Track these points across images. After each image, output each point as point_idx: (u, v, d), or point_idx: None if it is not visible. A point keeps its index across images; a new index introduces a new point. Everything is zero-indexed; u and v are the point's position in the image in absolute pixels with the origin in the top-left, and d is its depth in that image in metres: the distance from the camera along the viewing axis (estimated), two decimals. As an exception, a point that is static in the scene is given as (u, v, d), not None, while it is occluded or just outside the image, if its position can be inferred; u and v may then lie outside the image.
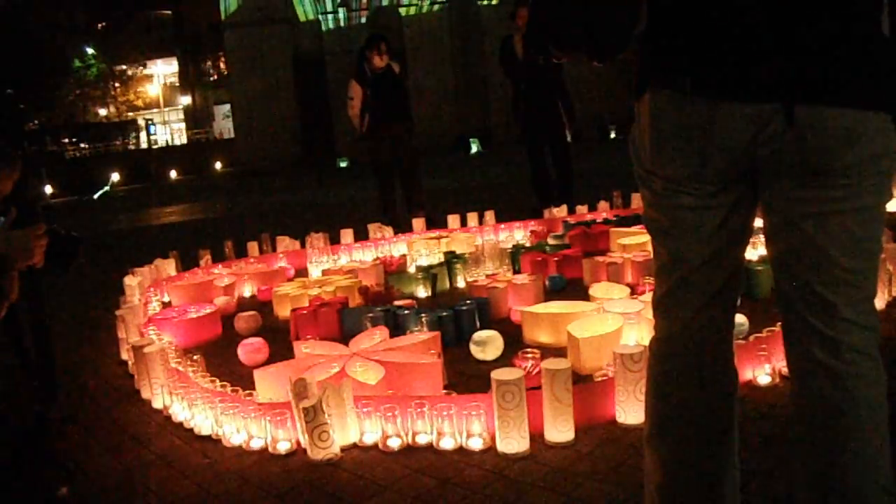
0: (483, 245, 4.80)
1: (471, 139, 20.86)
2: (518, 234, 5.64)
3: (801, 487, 1.30)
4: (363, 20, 22.89)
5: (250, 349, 3.30)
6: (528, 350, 2.70)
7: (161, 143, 34.40)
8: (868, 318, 1.25)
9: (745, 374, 2.48)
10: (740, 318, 2.75)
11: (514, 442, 2.16)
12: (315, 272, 4.98)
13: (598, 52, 1.28)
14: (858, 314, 1.23)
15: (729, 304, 1.38)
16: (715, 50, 1.21)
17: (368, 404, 2.36)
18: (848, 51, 1.17)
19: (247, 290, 4.80)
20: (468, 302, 3.45)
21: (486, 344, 3.00)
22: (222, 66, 31.25)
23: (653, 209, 1.38)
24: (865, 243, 1.23)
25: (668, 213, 1.33)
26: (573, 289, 4.01)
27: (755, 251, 3.97)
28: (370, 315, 3.34)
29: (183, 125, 36.83)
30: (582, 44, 1.27)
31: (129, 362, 3.40)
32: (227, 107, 28.35)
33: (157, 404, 2.90)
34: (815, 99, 1.17)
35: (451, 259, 4.59)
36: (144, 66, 36.54)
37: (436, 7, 22.66)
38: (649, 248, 4.45)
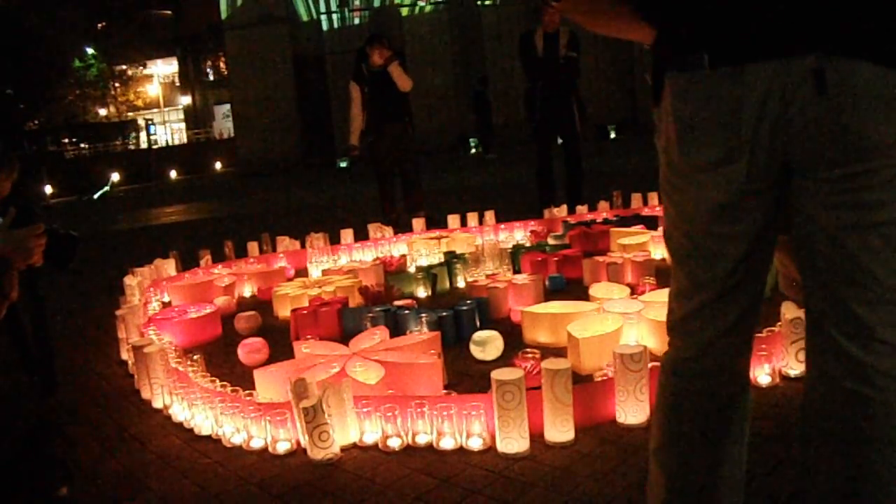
0: (483, 245, 4.80)
1: (471, 139, 20.88)
2: (518, 234, 5.64)
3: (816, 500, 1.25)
4: (357, 21, 22.90)
5: (250, 349, 3.30)
6: (528, 350, 2.70)
7: (161, 143, 34.40)
8: None
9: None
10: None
11: (514, 442, 2.16)
12: (315, 272, 4.98)
13: None
14: None
15: (749, 328, 1.33)
16: (728, 15, 1.15)
17: (368, 404, 2.36)
18: (886, 5, 1.08)
19: (247, 290, 4.80)
20: (468, 302, 3.45)
21: (486, 344, 3.00)
22: (222, 66, 31.21)
23: (675, 229, 1.31)
24: None
25: (691, 234, 1.27)
26: (573, 289, 4.01)
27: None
28: (370, 315, 3.34)
29: (183, 125, 36.81)
30: None
31: (129, 362, 3.40)
32: (227, 107, 28.34)
33: (157, 404, 2.90)
34: (849, 52, 1.07)
35: (451, 259, 4.59)
36: (144, 66, 36.50)
37: (428, 7, 22.65)
38: (649, 248, 4.47)
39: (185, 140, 34.88)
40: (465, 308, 3.34)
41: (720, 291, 1.27)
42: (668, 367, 1.38)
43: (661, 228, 4.95)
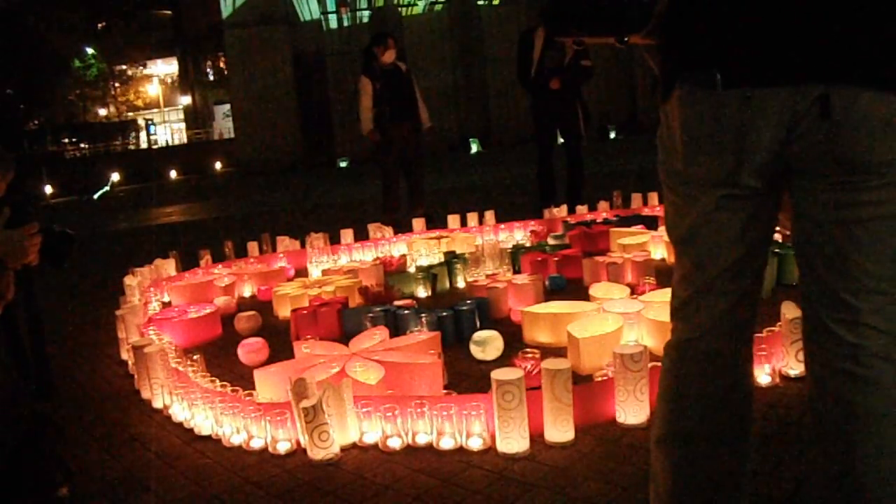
0: (483, 245, 4.80)
1: (471, 139, 20.88)
2: (518, 234, 5.64)
3: (816, 489, 1.29)
4: (357, 21, 22.88)
5: (250, 349, 3.30)
6: (528, 350, 2.70)
7: (161, 143, 34.40)
8: (892, 323, 1.23)
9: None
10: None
11: (514, 442, 2.16)
12: (315, 272, 4.98)
13: (619, 28, 1.26)
14: (883, 320, 1.22)
15: (750, 311, 1.37)
16: (744, 39, 1.18)
17: (368, 404, 2.36)
18: (891, 35, 1.13)
19: (247, 290, 4.79)
20: (468, 302, 3.45)
21: (486, 344, 3.00)
22: (222, 66, 31.22)
23: (677, 216, 1.36)
24: None
25: (692, 220, 1.32)
26: (573, 289, 4.01)
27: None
28: (370, 315, 3.34)
29: (183, 125, 36.81)
30: (604, 20, 1.26)
31: (129, 362, 3.40)
32: (227, 107, 28.33)
33: (157, 404, 2.90)
34: (853, 81, 1.13)
35: (451, 259, 4.59)
36: (144, 66, 36.54)
37: (435, 6, 22.63)
38: (649, 248, 4.47)
39: (185, 140, 34.87)
40: (465, 308, 3.34)
41: (719, 272, 1.32)
42: (670, 351, 1.41)
43: (661, 228, 4.95)
